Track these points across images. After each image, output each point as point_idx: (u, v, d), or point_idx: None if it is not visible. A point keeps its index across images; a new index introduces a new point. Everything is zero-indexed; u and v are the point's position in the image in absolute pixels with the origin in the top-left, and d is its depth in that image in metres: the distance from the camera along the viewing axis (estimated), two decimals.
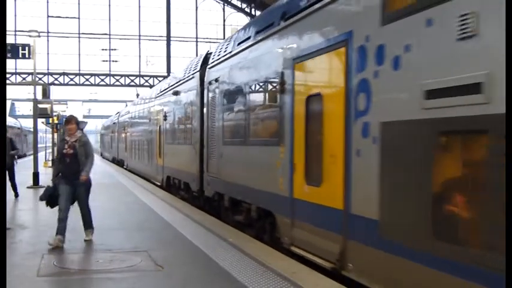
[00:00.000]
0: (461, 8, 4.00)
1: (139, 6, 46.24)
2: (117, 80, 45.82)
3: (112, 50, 45.44)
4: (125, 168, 27.72)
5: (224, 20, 47.01)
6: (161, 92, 18.24)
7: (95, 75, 45.14)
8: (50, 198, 7.93)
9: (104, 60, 45.18)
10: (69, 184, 7.78)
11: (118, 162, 32.60)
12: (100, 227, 9.31)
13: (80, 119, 16.95)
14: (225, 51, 10.55)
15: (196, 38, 47.03)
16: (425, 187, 4.33)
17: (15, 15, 43.42)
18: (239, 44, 9.54)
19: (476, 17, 3.88)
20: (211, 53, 12.07)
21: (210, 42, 44.21)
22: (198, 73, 12.53)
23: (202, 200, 11.91)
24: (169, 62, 46.38)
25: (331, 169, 5.96)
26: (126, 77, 45.78)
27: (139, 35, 46.31)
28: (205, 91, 11.61)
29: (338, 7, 6.01)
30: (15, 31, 41.63)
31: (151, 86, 40.96)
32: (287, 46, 7.29)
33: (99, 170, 24.24)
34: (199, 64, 12.69)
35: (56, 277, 5.85)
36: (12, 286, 5.34)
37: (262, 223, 8.21)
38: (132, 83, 46.20)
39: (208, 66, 11.59)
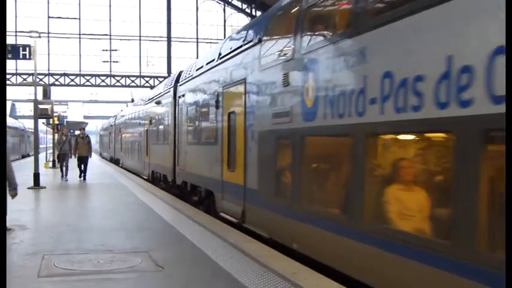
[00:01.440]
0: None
1: (139, 7, 46.26)
2: (118, 81, 45.83)
3: (113, 50, 45.46)
4: (121, 167, 30.01)
5: (225, 21, 47.02)
6: (149, 100, 21.61)
7: (95, 75, 45.15)
8: None
9: (104, 61, 45.20)
10: None
11: (115, 161, 35.38)
12: (100, 228, 9.34)
13: (81, 119, 17.10)
14: (189, 74, 13.92)
15: (197, 38, 47.04)
16: (274, 167, 7.79)
17: (16, 16, 43.45)
18: (197, 69, 12.96)
19: (289, 76, 7.29)
20: (182, 71, 15.62)
21: (210, 42, 44.23)
22: (172, 88, 15.96)
23: (175, 188, 14.83)
24: (170, 63, 46.39)
25: (238, 160, 9.23)
26: (127, 78, 45.79)
27: (140, 36, 46.33)
28: (177, 103, 15.00)
29: (243, 56, 9.31)
30: (16, 32, 41.64)
31: (151, 87, 40.99)
32: (219, 77, 10.71)
33: (99, 171, 24.26)
34: (173, 81, 16.17)
35: (56, 278, 5.85)
36: (13, 287, 5.34)
37: (208, 201, 11.32)
38: (133, 84, 46.21)
39: (179, 84, 15.10)
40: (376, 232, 5.09)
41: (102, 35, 45.50)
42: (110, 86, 46.49)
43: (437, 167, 4.70)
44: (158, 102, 18.43)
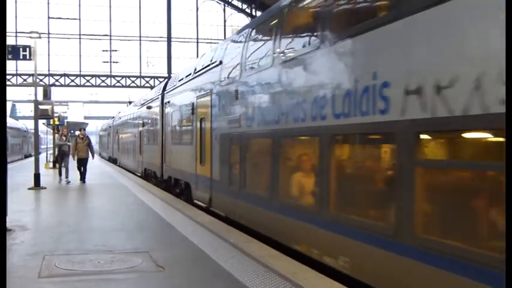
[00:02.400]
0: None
1: (139, 7, 46.28)
2: (118, 81, 45.86)
3: (113, 51, 45.48)
4: (118, 165, 32.27)
5: (225, 21, 47.02)
6: (141, 105, 23.93)
7: (95, 76, 45.18)
8: None
9: (104, 61, 45.22)
10: None
11: (113, 161, 37.39)
12: (101, 228, 9.34)
13: (81, 120, 17.04)
14: (173, 84, 16.56)
15: (197, 38, 47.05)
16: (229, 162, 9.97)
17: (16, 17, 43.48)
18: (179, 80, 15.50)
19: (238, 92, 9.54)
20: (169, 81, 18.57)
21: (211, 42, 44.23)
22: (160, 95, 18.38)
23: (163, 182, 17.10)
24: (170, 63, 46.41)
25: (207, 157, 11.48)
26: (127, 78, 45.82)
27: (140, 36, 46.35)
28: (164, 109, 17.33)
29: (210, 73, 11.64)
30: (16, 32, 41.65)
31: (152, 87, 41.00)
32: (194, 88, 12.99)
33: (99, 171, 24.24)
34: (161, 89, 18.74)
35: (57, 278, 5.85)
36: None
37: (186, 191, 13.50)
38: (133, 84, 46.23)
39: (165, 92, 17.56)
40: (285, 205, 7.49)
41: (102, 35, 45.53)
42: (110, 86, 46.51)
43: (317, 161, 6.63)
44: (149, 107, 20.93)
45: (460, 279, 4.03)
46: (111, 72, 45.28)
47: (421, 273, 4.49)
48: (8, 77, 38.72)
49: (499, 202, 3.65)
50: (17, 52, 18.21)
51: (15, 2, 43.70)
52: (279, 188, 7.71)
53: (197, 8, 47.08)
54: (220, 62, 10.94)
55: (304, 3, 7.71)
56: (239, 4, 47.46)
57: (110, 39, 45.57)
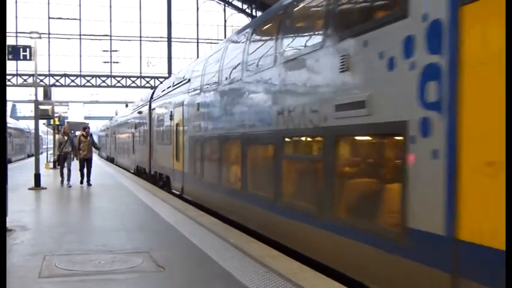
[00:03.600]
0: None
1: (140, 8, 46.29)
2: (118, 81, 45.87)
3: (113, 51, 45.48)
4: (115, 164, 34.73)
5: (225, 21, 47.03)
6: (134, 109, 27.35)
7: (96, 76, 45.19)
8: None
9: (105, 62, 45.22)
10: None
11: (110, 160, 39.74)
12: (101, 228, 9.35)
13: (81, 120, 16.98)
14: (158, 94, 19.76)
15: (197, 39, 47.06)
16: (194, 159, 12.58)
17: (16, 17, 43.49)
18: (162, 91, 18.75)
19: (199, 104, 12.59)
20: (156, 89, 21.85)
21: (211, 43, 44.24)
22: (148, 102, 21.49)
23: (150, 177, 19.79)
24: (171, 63, 46.42)
25: (180, 155, 14.07)
26: (127, 78, 45.82)
27: (140, 36, 46.37)
28: (151, 114, 20.46)
29: (183, 87, 14.40)
30: (16, 32, 41.67)
31: (152, 87, 41.03)
32: (172, 98, 15.98)
33: (99, 171, 24.23)
34: (150, 96, 21.73)
35: (57, 278, 5.85)
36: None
37: (167, 183, 16.32)
38: (133, 84, 46.24)
39: (152, 100, 20.62)
40: (226, 188, 10.44)
41: (103, 35, 45.54)
42: (111, 86, 46.52)
43: (240, 156, 9.49)
44: (140, 112, 24.06)
45: (291, 221, 7.37)
46: (111, 72, 45.29)
47: (286, 223, 7.54)
48: (8, 77, 38.73)
49: (317, 177, 6.69)
50: (17, 52, 18.21)
51: (16, 2, 43.71)
52: (222, 176, 10.75)
53: (197, 8, 47.09)
54: (189, 80, 14.00)
55: (232, 49, 10.80)
56: (239, 4, 47.45)
57: (110, 40, 45.59)
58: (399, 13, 4.95)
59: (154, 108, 19.61)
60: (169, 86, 16.94)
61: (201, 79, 12.52)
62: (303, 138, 7.49)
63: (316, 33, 6.95)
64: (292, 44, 7.75)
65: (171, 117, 15.60)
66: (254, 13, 45.05)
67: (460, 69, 4.16)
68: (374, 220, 5.57)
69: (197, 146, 12.54)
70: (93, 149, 18.72)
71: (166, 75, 43.37)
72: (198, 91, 12.69)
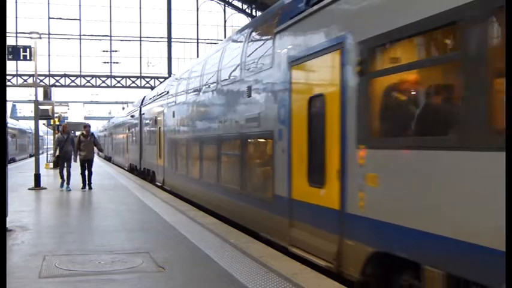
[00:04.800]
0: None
1: (140, 8, 46.30)
2: (118, 82, 45.89)
3: (113, 51, 45.49)
4: (112, 163, 37.49)
5: (225, 21, 47.05)
6: (128, 113, 30.44)
7: (96, 76, 45.21)
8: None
9: (105, 62, 45.23)
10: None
11: (108, 159, 41.97)
12: (101, 228, 9.35)
13: (81, 120, 16.95)
14: (146, 101, 22.52)
15: (197, 39, 47.07)
16: (171, 156, 15.63)
17: (16, 17, 43.52)
18: (149, 99, 21.60)
19: (174, 112, 15.85)
20: (146, 96, 24.14)
21: (211, 43, 44.25)
22: (139, 107, 24.27)
23: (140, 173, 22.70)
24: (171, 63, 46.43)
25: (162, 153, 17.24)
26: (127, 79, 45.85)
27: (140, 37, 46.39)
28: (141, 118, 23.22)
29: (162, 99, 17.76)
30: (17, 33, 41.70)
31: (152, 88, 41.06)
32: (156, 106, 18.93)
33: (99, 171, 24.24)
34: (140, 102, 24.52)
35: (57, 278, 5.85)
36: None
37: (153, 177, 19.17)
38: (133, 85, 46.26)
39: (142, 106, 23.34)
40: (191, 178, 13.14)
41: (103, 35, 45.55)
42: (111, 86, 46.55)
43: (199, 153, 12.27)
44: (132, 116, 26.92)
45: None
46: (111, 72, 45.31)
47: (221, 199, 10.54)
48: (8, 77, 38.74)
49: (237, 165, 9.35)
50: (17, 52, 18.23)
51: (16, 2, 43.72)
52: (188, 169, 13.52)
53: (197, 9, 47.10)
54: (167, 92, 17.05)
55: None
56: (239, 4, 47.46)
57: (110, 40, 45.60)
58: (270, 63, 7.85)
59: (143, 113, 22.51)
60: (154, 96, 20.20)
61: (175, 93, 15.71)
62: (231, 140, 10.04)
63: (234, 69, 9.79)
64: (224, 75, 10.53)
65: (156, 122, 18.75)
66: (254, 13, 45.05)
67: (290, 101, 7.10)
68: (261, 191, 8.28)
69: (172, 146, 15.54)
70: (95, 149, 17.39)
71: (166, 75, 43.37)
72: (173, 102, 15.86)
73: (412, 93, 4.90)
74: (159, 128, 17.76)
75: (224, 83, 10.34)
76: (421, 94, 4.69)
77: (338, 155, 5.66)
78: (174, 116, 15.35)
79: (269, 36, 7.99)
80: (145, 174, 21.32)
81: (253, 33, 9.06)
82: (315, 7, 6.30)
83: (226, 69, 10.38)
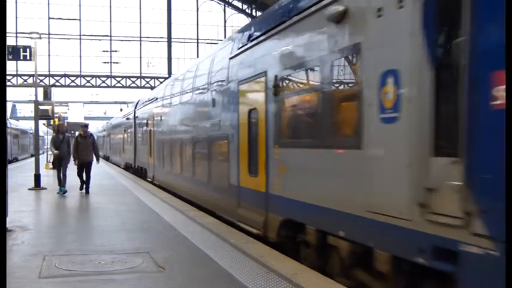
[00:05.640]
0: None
1: (140, 8, 46.30)
2: (118, 82, 45.88)
3: (113, 51, 45.49)
4: (110, 162, 39.01)
5: (225, 21, 47.04)
6: (124, 115, 32.59)
7: (96, 76, 45.21)
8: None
9: (105, 62, 45.22)
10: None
11: (106, 159, 42.25)
12: (101, 228, 9.35)
13: (81, 120, 16.91)
14: (139, 106, 24.52)
15: (197, 39, 47.07)
16: (159, 154, 17.83)
17: (16, 17, 43.52)
18: (142, 103, 23.49)
19: (161, 118, 18.36)
20: (139, 101, 26.07)
21: (211, 43, 44.24)
22: (133, 110, 26.23)
23: (134, 170, 24.86)
24: (171, 63, 46.44)
25: (152, 152, 19.43)
26: (127, 79, 45.84)
27: (140, 37, 46.39)
28: (135, 120, 25.18)
29: (151, 105, 20.31)
30: (16, 33, 41.69)
31: (152, 88, 41.08)
32: (146, 111, 21.20)
33: (99, 171, 24.22)
34: (135, 106, 26.75)
35: (57, 279, 5.85)
36: None
37: (145, 174, 21.06)
38: (133, 85, 46.25)
39: (136, 109, 25.33)
40: (173, 173, 15.29)
41: (103, 36, 45.55)
42: (111, 86, 46.55)
43: (179, 151, 14.45)
44: (128, 119, 28.82)
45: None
46: (111, 72, 45.31)
47: (194, 189, 12.83)
48: (8, 77, 38.75)
49: (205, 162, 11.65)
50: (17, 52, 18.25)
51: (16, 2, 43.73)
52: (172, 166, 15.43)
53: (197, 9, 47.10)
54: (156, 99, 19.34)
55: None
56: (239, 4, 47.46)
57: (110, 40, 45.61)
58: (226, 81, 10.01)
59: (137, 116, 24.66)
60: (146, 101, 22.33)
61: (162, 100, 17.91)
62: (201, 142, 12.03)
63: (204, 84, 11.99)
64: (196, 88, 12.81)
65: (147, 125, 20.81)
66: (254, 13, 45.03)
67: (238, 112, 9.15)
68: (221, 181, 10.25)
69: (160, 146, 17.55)
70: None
71: (167, 75, 43.38)
72: (160, 107, 18.01)
73: (299, 111, 6.96)
74: (150, 130, 19.89)
75: (197, 94, 12.76)
76: (302, 111, 6.85)
77: (264, 153, 7.86)
78: (161, 120, 17.60)
79: (226, 60, 10.12)
80: (139, 172, 23.30)
81: (216, 57, 11.24)
82: (251, 43, 8.58)
83: (198, 84, 12.62)
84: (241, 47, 9.14)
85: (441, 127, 4.05)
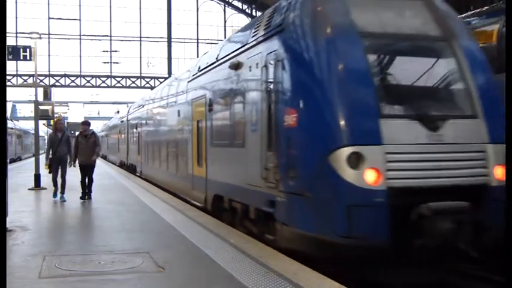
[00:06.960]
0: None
1: (140, 8, 46.29)
2: (118, 82, 45.87)
3: (113, 51, 45.48)
4: (108, 160, 41.18)
5: (225, 21, 47.03)
6: (119, 118, 35.48)
7: (96, 76, 45.19)
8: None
9: (105, 62, 45.21)
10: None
11: (104, 158, 44.15)
12: (101, 228, 9.35)
13: (81, 120, 16.75)
14: (131, 111, 27.81)
15: (197, 39, 47.06)
16: (146, 153, 20.83)
17: (16, 17, 43.50)
18: (133, 108, 26.75)
19: (150, 121, 21.18)
20: (131, 105, 29.66)
21: (211, 43, 44.22)
22: (127, 114, 29.33)
23: (127, 167, 27.77)
24: (171, 64, 46.42)
25: (140, 151, 22.55)
26: (127, 79, 45.82)
27: (140, 37, 46.38)
28: (128, 123, 27.75)
29: (141, 111, 23.11)
30: (16, 33, 41.68)
31: (152, 88, 41.08)
32: (137, 116, 24.40)
33: (98, 171, 24.17)
34: (127, 111, 29.97)
35: (57, 279, 5.85)
36: None
37: (135, 170, 24.04)
38: (133, 85, 46.24)
39: (128, 114, 28.52)
40: (155, 168, 18.31)
41: (103, 36, 45.54)
42: (111, 87, 46.53)
43: (160, 151, 17.29)
44: (122, 121, 31.71)
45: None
46: (111, 72, 45.29)
47: (168, 179, 16.06)
48: (8, 77, 38.73)
49: (174, 156, 14.83)
50: (17, 52, 18.25)
51: (16, 2, 43.72)
52: (154, 162, 18.15)
53: (197, 9, 47.10)
54: (143, 106, 22.42)
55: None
56: (239, 4, 47.45)
57: (110, 40, 45.60)
58: (185, 98, 13.37)
59: (129, 120, 27.51)
60: (138, 106, 24.95)
61: (146, 108, 21.25)
62: (172, 143, 15.04)
63: (173, 98, 15.28)
64: (169, 101, 16.11)
65: (136, 128, 23.91)
66: (254, 13, 45.00)
67: (192, 122, 12.48)
68: (184, 172, 13.11)
69: (146, 146, 20.69)
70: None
71: (166, 75, 43.36)
72: (146, 113, 21.44)
73: (219, 122, 10.14)
74: (138, 132, 23.13)
75: (170, 105, 15.91)
76: (221, 123, 10.05)
77: (205, 150, 11.09)
78: (146, 124, 21.15)
79: (186, 82, 13.46)
80: (131, 168, 26.58)
81: (181, 80, 14.47)
82: (199, 73, 11.90)
83: (170, 97, 16.07)
84: (194, 75, 12.57)
85: (270, 135, 7.24)
